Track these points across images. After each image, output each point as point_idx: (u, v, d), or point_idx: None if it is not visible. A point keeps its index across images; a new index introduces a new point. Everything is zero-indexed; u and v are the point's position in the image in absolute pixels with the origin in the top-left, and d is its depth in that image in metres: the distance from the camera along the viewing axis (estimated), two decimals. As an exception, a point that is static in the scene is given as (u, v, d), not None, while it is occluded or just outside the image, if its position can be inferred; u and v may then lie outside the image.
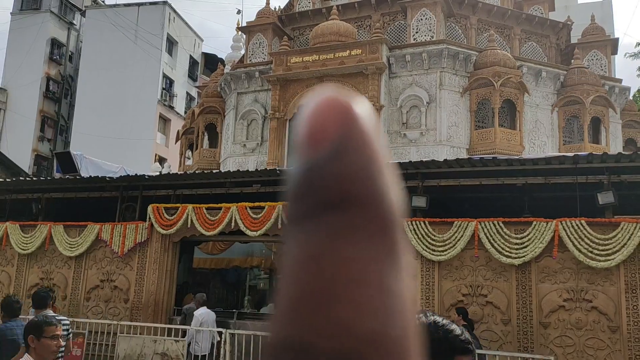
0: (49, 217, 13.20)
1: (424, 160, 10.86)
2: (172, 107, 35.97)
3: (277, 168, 12.91)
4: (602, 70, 18.28)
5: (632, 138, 18.72)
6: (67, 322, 6.69)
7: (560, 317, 9.10)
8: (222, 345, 10.14)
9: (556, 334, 9.01)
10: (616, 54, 19.36)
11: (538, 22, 19.08)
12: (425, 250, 9.74)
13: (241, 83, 18.74)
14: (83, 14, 37.62)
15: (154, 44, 34.20)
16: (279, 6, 21.48)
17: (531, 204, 10.38)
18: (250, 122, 18.50)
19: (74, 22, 38.38)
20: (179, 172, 15.16)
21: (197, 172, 14.33)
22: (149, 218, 11.79)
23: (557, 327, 9.07)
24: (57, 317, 5.34)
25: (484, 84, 16.13)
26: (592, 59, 18.50)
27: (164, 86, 35.43)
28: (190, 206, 11.59)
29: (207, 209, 11.44)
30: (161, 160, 30.63)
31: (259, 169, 12.49)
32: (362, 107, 0.31)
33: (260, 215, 10.89)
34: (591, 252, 8.91)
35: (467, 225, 9.61)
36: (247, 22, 19.94)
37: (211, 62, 37.43)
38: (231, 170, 12.92)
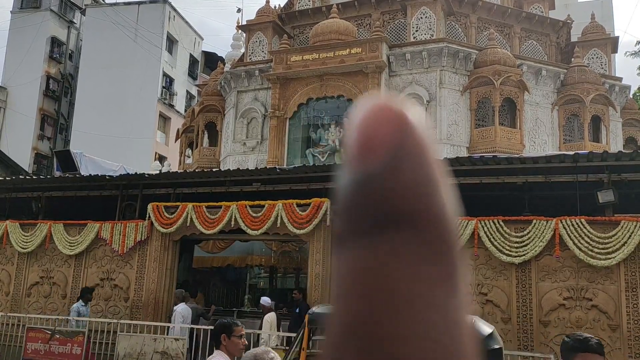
0: (48, 216, 13.19)
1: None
2: (172, 106, 35.94)
3: (277, 167, 12.90)
4: (602, 68, 18.26)
5: (633, 136, 18.72)
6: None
7: (560, 316, 9.10)
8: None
9: (556, 332, 9.00)
10: (616, 52, 19.37)
11: (538, 20, 19.06)
12: (425, 249, 9.72)
13: (241, 81, 18.72)
14: (83, 12, 37.58)
15: (154, 42, 34.15)
16: (279, 4, 21.45)
17: (531, 202, 10.37)
18: (250, 121, 18.49)
19: (74, 20, 38.34)
20: (178, 171, 15.17)
21: (197, 170, 14.34)
22: (149, 217, 11.78)
23: (557, 326, 9.06)
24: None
25: (484, 83, 16.11)
26: (592, 58, 18.48)
27: (164, 85, 35.41)
28: (190, 205, 11.58)
29: (207, 207, 11.43)
30: (161, 159, 30.57)
31: (259, 168, 12.49)
32: (416, 116, 0.29)
33: (260, 213, 10.89)
34: (591, 250, 8.91)
35: (467, 223, 9.61)
36: (247, 21, 19.94)
37: (211, 60, 37.37)
38: (231, 169, 12.91)
